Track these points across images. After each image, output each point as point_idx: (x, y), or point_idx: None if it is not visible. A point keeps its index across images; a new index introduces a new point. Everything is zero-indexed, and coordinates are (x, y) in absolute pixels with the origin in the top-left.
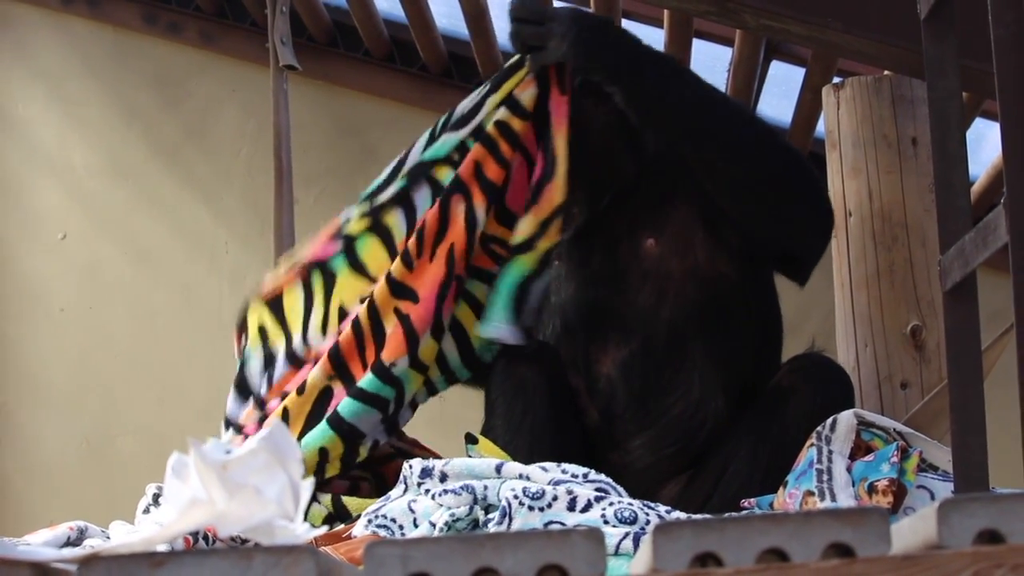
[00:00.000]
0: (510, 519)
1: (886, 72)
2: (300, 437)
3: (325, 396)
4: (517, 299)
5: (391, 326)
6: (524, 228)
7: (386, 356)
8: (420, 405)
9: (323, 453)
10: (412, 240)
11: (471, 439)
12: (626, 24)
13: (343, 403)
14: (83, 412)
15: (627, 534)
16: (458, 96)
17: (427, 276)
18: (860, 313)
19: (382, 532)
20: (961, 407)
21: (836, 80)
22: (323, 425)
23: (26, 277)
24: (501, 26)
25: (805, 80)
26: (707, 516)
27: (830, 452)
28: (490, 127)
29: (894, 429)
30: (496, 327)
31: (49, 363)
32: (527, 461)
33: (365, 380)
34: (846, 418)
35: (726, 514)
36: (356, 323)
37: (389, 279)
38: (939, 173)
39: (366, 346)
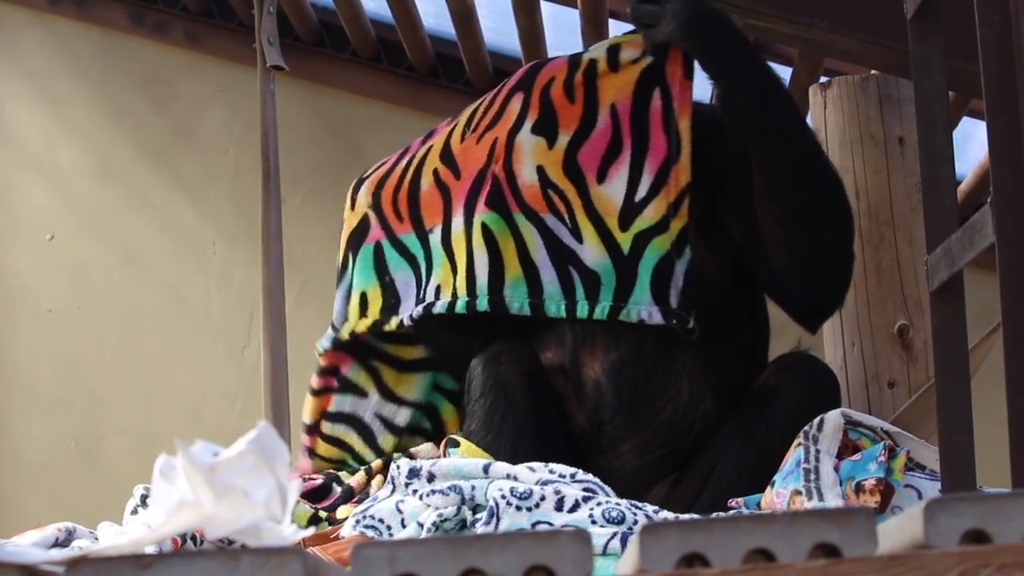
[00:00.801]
0: (498, 519)
1: (873, 71)
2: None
3: (364, 224)
4: (661, 280)
5: (427, 184)
6: (654, 211)
7: (427, 217)
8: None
9: (363, 299)
10: (480, 110)
11: (453, 443)
12: (613, 24)
13: (386, 247)
14: (71, 412)
15: (615, 534)
16: (445, 96)
17: (472, 156)
18: (848, 312)
19: (370, 533)
20: (948, 406)
21: (823, 79)
22: (370, 271)
23: (14, 278)
24: (488, 25)
25: (792, 79)
26: (694, 516)
27: (817, 451)
28: (583, 57)
29: (881, 428)
30: (644, 309)
31: (37, 364)
32: (510, 463)
33: (405, 235)
34: (833, 417)
35: (714, 514)
36: (403, 172)
37: (446, 143)
38: (926, 172)
39: (399, 197)
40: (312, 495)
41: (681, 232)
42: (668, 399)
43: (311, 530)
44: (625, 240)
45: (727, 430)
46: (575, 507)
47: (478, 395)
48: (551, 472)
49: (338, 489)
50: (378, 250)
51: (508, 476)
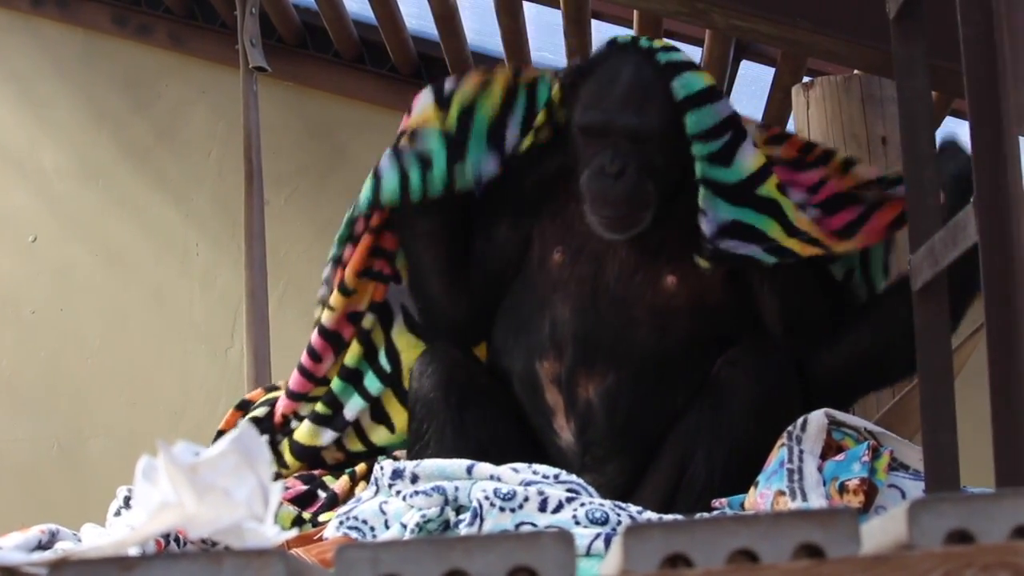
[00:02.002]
0: (481, 520)
1: (855, 71)
2: None
3: None
4: (742, 231)
5: None
6: (844, 245)
7: None
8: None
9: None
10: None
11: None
12: (595, 24)
13: None
14: (54, 414)
15: (598, 535)
16: None
17: None
18: None
19: (353, 534)
20: (932, 406)
21: (806, 80)
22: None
23: None
24: (471, 26)
25: (775, 80)
26: (677, 517)
27: (801, 452)
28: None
29: (865, 428)
30: (710, 215)
31: (20, 365)
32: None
33: None
34: (817, 417)
35: (697, 515)
36: None
37: None
38: (909, 172)
39: None
40: (297, 502)
41: (785, 248)
42: (662, 423)
43: (294, 531)
44: (766, 191)
45: (687, 429)
46: (559, 508)
47: (410, 405)
48: (534, 473)
49: (323, 495)
50: None
51: (491, 477)
